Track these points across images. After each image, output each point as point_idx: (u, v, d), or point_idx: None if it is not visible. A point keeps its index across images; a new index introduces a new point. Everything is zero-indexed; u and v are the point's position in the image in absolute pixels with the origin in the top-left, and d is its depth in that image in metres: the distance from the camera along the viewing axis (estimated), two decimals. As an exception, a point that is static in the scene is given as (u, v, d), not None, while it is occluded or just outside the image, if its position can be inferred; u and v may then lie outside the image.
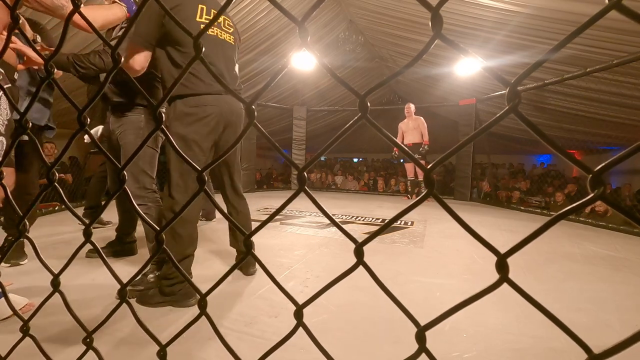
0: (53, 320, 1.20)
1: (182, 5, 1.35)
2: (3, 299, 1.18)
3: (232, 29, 1.58)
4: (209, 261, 1.93)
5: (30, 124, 0.44)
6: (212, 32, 1.45)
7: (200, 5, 1.40)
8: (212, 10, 1.44)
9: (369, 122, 0.32)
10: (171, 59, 1.36)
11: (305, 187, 0.34)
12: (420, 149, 4.86)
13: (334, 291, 0.41)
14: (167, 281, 1.35)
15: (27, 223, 0.46)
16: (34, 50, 0.41)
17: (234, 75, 1.56)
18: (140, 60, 1.31)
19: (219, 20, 1.50)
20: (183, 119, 1.38)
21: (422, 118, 4.97)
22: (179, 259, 1.37)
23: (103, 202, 1.85)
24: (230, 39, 1.55)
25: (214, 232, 2.64)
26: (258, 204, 4.23)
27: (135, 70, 1.31)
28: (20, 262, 1.78)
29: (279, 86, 6.22)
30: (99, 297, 1.41)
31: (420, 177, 5.09)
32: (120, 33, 1.63)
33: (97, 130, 2.19)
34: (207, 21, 1.42)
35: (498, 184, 6.43)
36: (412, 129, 5.00)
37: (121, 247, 1.98)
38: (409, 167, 5.21)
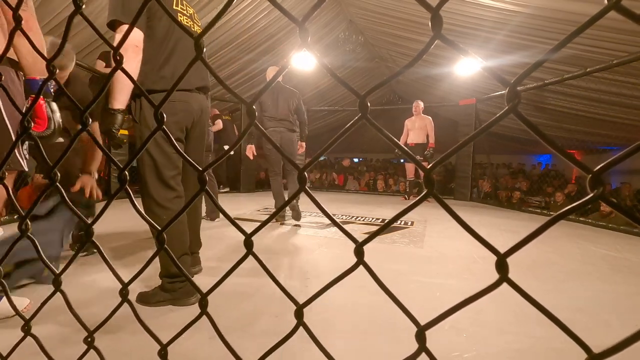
0: (54, 319, 1.20)
1: None
2: (5, 299, 1.19)
3: (200, 22, 1.53)
4: (209, 261, 1.93)
5: (32, 124, 0.44)
6: (185, 22, 1.38)
7: None
8: (184, 2, 1.42)
9: (369, 122, 0.32)
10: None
11: (306, 187, 0.34)
12: (425, 152, 4.69)
13: (334, 291, 0.41)
14: (168, 278, 1.35)
15: (29, 222, 0.47)
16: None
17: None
18: (136, 36, 1.19)
19: (190, 12, 1.44)
20: (152, 116, 1.34)
21: (430, 118, 4.79)
22: (176, 256, 1.37)
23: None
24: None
25: (215, 231, 2.65)
26: (258, 204, 4.24)
27: (133, 45, 1.18)
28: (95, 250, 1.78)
29: (279, 86, 6.21)
30: (100, 296, 1.41)
31: (421, 178, 5.05)
32: None
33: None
34: (182, 10, 1.38)
35: (498, 184, 6.43)
36: (417, 129, 4.82)
37: None
38: (410, 167, 5.11)
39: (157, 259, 1.54)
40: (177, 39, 1.35)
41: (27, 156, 1.24)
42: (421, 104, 4.90)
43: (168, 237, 1.39)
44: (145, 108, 1.32)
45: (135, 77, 1.22)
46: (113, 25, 1.19)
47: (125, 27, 1.17)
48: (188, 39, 1.34)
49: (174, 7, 1.34)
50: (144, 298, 1.36)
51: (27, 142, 1.22)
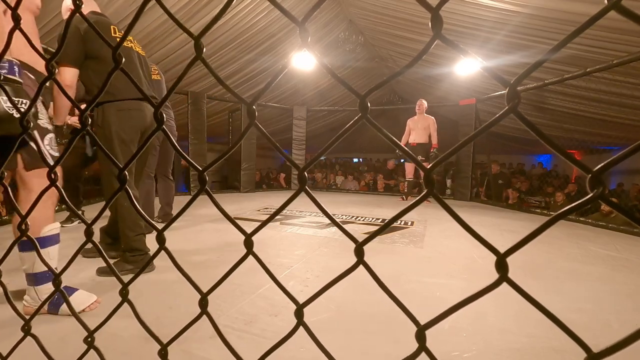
0: (54, 319, 1.20)
1: (99, 24, 1.61)
2: (80, 291, 1.31)
3: (139, 45, 1.91)
4: (209, 260, 1.93)
5: (31, 123, 0.44)
6: (126, 44, 1.70)
7: (112, 26, 1.66)
8: (118, 31, 1.73)
9: (370, 122, 0.32)
10: (90, 69, 1.58)
11: (306, 187, 0.34)
12: (430, 153, 4.63)
13: (334, 291, 0.41)
14: (130, 252, 1.67)
15: (29, 223, 0.47)
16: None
17: (150, 82, 1.88)
18: (70, 76, 1.50)
19: (129, 37, 1.82)
20: (120, 122, 1.62)
21: (433, 118, 4.73)
22: (133, 236, 1.69)
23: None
24: (142, 51, 1.84)
25: (215, 231, 2.65)
26: (258, 204, 4.24)
27: (66, 85, 1.47)
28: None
29: (279, 86, 6.22)
30: (99, 296, 1.41)
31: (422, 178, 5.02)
32: None
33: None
34: (118, 36, 1.70)
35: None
36: (420, 128, 4.74)
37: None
38: (409, 167, 5.05)
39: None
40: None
41: (50, 152, 1.24)
42: (425, 103, 4.82)
43: (126, 218, 1.69)
44: (108, 115, 1.61)
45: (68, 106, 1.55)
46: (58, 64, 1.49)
47: (62, 68, 1.48)
48: (131, 61, 1.68)
49: (112, 34, 1.64)
50: (105, 270, 1.62)
51: (48, 137, 1.24)
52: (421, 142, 4.72)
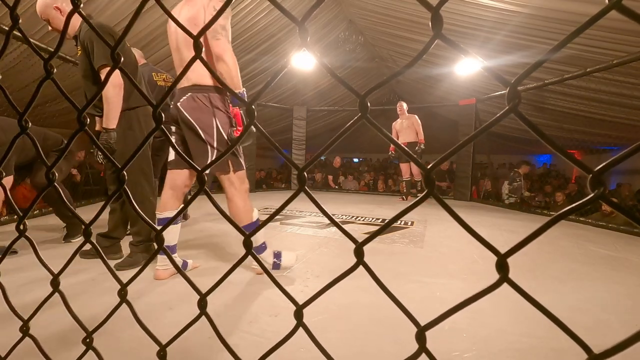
0: (53, 320, 1.20)
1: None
2: (285, 253, 1.74)
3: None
4: (209, 261, 1.93)
5: (30, 123, 0.44)
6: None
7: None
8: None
9: (369, 122, 0.32)
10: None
11: (306, 187, 0.34)
12: (417, 148, 4.74)
13: (334, 291, 0.41)
14: (149, 241, 1.83)
15: (27, 222, 0.46)
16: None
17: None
18: (117, 76, 1.66)
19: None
20: (147, 127, 1.81)
21: (415, 116, 4.86)
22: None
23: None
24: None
25: (215, 231, 2.65)
26: (258, 204, 4.24)
27: (115, 85, 1.62)
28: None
29: (279, 86, 6.22)
30: (98, 296, 1.41)
31: (417, 178, 5.04)
32: None
33: None
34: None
35: (498, 183, 6.41)
36: (406, 128, 4.86)
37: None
38: (404, 167, 5.10)
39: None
40: (134, 72, 1.82)
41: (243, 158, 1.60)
42: (405, 105, 4.98)
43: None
44: (141, 118, 1.80)
45: (120, 104, 1.65)
46: (100, 68, 1.65)
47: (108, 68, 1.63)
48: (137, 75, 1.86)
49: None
50: (124, 264, 1.74)
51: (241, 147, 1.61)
52: (410, 141, 4.83)
